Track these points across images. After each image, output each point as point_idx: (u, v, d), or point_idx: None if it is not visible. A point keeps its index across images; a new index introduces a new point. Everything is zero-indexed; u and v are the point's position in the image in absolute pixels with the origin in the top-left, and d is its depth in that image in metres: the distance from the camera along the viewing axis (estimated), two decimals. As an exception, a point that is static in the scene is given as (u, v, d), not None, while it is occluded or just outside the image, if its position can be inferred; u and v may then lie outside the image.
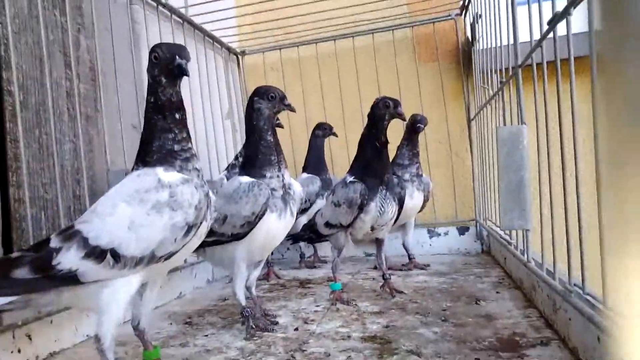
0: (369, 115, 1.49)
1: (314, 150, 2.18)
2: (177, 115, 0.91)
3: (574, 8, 0.80)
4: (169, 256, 0.86)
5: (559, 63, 0.88)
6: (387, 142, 1.46)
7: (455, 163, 2.42)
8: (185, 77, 0.91)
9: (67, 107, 1.38)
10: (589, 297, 0.85)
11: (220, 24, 2.25)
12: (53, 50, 1.37)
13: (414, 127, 1.90)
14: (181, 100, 0.92)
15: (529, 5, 1.16)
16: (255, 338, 1.19)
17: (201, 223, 0.89)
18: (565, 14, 0.81)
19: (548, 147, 1.08)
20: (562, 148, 0.99)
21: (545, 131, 1.08)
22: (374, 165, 1.45)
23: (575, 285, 0.89)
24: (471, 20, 2.19)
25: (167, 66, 0.89)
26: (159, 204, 0.84)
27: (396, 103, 1.44)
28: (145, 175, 0.88)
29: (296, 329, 1.25)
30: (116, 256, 0.82)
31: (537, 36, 1.11)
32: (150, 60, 0.91)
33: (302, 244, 2.16)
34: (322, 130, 2.17)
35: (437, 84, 2.40)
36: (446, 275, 1.84)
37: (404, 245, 2.07)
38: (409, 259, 2.04)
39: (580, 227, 0.88)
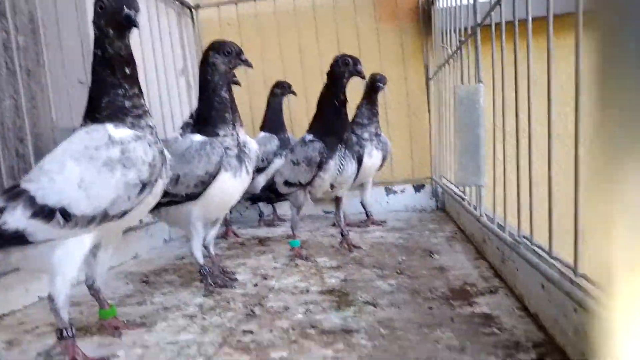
0: (328, 74, 1.48)
1: (272, 109, 2.14)
2: (127, 70, 0.86)
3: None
4: (123, 214, 0.84)
5: (517, 23, 0.89)
6: (346, 100, 1.45)
7: (414, 122, 2.44)
8: (135, 30, 0.86)
9: (4, 61, 1.29)
10: (536, 248, 0.90)
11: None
12: (-15, -2, 1.26)
13: (374, 86, 1.89)
14: (131, 54, 0.87)
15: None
16: (214, 295, 1.20)
17: (156, 181, 0.86)
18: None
19: (503, 107, 1.11)
20: (516, 108, 1.01)
21: (501, 91, 1.10)
22: (333, 124, 1.45)
23: (523, 237, 0.93)
24: (431, -23, 2.17)
25: (114, 17, 0.83)
26: (111, 161, 0.80)
27: (355, 61, 1.43)
28: (94, 131, 0.84)
29: (255, 285, 1.26)
30: (66, 215, 0.79)
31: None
32: (95, 10, 0.85)
33: (261, 203, 2.15)
34: (280, 89, 2.13)
35: (397, 44, 2.39)
36: (402, 231, 1.89)
37: (362, 203, 2.10)
38: (367, 216, 2.08)
39: (530, 185, 0.92)
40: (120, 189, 0.81)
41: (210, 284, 1.24)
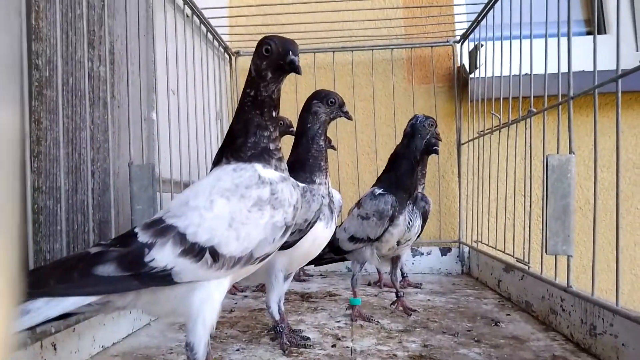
0: (407, 132, 1.49)
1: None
2: (273, 113, 0.85)
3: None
4: (264, 258, 0.79)
5: (619, 97, 0.93)
6: (420, 161, 1.46)
7: (442, 185, 2.47)
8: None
9: (87, 91, 1.24)
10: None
11: (214, 21, 2.16)
12: (79, 26, 1.23)
13: (429, 149, 1.91)
14: (279, 98, 0.86)
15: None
16: (294, 354, 1.12)
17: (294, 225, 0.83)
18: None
19: (595, 176, 1.13)
20: (617, 180, 1.03)
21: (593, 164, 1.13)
22: (406, 180, 1.44)
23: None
24: (470, 49, 2.27)
25: (278, 61, 0.83)
26: (261, 201, 0.77)
27: (435, 124, 1.45)
28: (243, 170, 0.80)
29: (333, 346, 1.19)
30: (215, 255, 0.73)
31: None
32: (259, 52, 0.84)
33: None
34: (321, 142, 2.13)
35: (429, 106, 2.46)
36: (444, 294, 1.85)
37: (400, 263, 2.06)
38: (402, 277, 2.04)
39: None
40: (267, 230, 0.77)
41: (286, 343, 1.16)
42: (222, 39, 2.25)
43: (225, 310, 1.56)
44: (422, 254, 2.41)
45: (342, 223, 1.59)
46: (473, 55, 2.22)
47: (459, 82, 2.43)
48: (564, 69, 1.24)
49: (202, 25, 2.02)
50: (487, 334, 1.31)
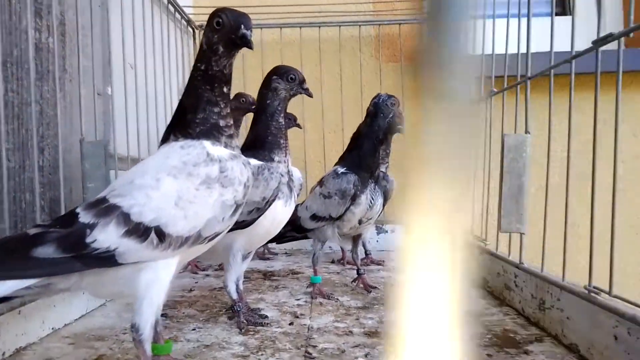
0: (370, 111, 1.48)
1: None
2: (225, 89, 0.83)
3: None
4: (213, 237, 0.78)
5: (599, 79, 0.93)
6: (384, 140, 1.46)
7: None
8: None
9: (35, 63, 1.18)
10: (609, 299, 0.91)
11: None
12: (22, -6, 1.16)
13: (393, 128, 1.90)
14: (231, 73, 0.84)
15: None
16: (251, 332, 1.12)
17: (245, 203, 0.82)
18: (620, 37, 0.85)
19: (549, 156, 1.15)
20: (568, 157, 1.06)
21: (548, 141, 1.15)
22: (368, 159, 1.44)
23: (595, 287, 0.95)
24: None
25: (230, 35, 0.80)
26: (209, 179, 0.75)
27: (398, 103, 1.45)
28: (191, 147, 0.78)
29: (291, 324, 1.19)
30: (161, 235, 0.72)
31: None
32: (210, 25, 0.82)
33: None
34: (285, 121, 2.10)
35: (397, 85, 2.45)
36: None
37: (362, 241, 2.08)
38: (366, 254, 2.06)
39: (592, 233, 0.94)
40: (216, 209, 0.76)
41: (243, 321, 1.16)
42: (184, 11, 2.18)
43: (185, 289, 1.55)
44: (387, 231, 2.43)
45: (304, 201, 1.58)
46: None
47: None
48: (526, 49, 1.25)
49: (162, -2, 1.95)
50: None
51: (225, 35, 0.82)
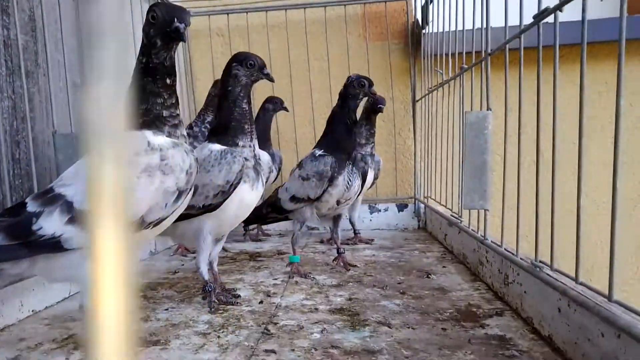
0: (341, 93, 1.50)
1: (261, 123, 2.13)
2: (167, 80, 0.86)
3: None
4: (158, 222, 0.82)
5: (540, 54, 0.93)
6: (356, 120, 1.48)
7: (398, 142, 2.49)
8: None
9: (4, 60, 1.22)
10: (552, 273, 0.93)
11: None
12: (-10, -7, 1.20)
13: (374, 108, 1.92)
14: (173, 65, 0.87)
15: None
16: (220, 311, 1.17)
17: (190, 189, 0.85)
18: (554, 10, 0.85)
19: (505, 131, 1.15)
20: (519, 133, 1.06)
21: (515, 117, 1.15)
22: (343, 141, 1.46)
23: (541, 262, 0.97)
24: (422, 4, 2.24)
25: (164, 28, 0.83)
26: (150, 167, 0.79)
27: (371, 82, 1.46)
28: (132, 137, 0.82)
29: (260, 302, 1.24)
30: None
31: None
32: (147, 19, 0.85)
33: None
34: (272, 104, 2.12)
35: (385, 63, 2.44)
36: (391, 250, 1.91)
37: (350, 220, 2.11)
38: (355, 233, 2.10)
39: (553, 211, 0.95)
40: (158, 196, 0.80)
41: (215, 301, 1.21)
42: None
43: (170, 271, 1.61)
44: (380, 210, 2.46)
45: (283, 184, 1.62)
46: (424, 10, 2.20)
47: (413, 39, 2.41)
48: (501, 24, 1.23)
49: (142, -14, 1.97)
50: (415, 286, 1.37)
51: (160, 29, 0.85)
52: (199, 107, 2.16)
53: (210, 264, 1.28)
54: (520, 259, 1.06)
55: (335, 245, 1.85)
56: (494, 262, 1.30)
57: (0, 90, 1.18)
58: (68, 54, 1.43)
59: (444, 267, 1.60)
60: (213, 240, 1.23)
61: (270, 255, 1.84)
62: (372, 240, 2.09)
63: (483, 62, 1.28)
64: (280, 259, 1.77)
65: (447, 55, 1.80)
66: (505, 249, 1.15)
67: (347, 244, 2.03)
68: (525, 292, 1.08)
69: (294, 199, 1.49)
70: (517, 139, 1.05)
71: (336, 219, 1.64)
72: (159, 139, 0.83)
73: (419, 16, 2.34)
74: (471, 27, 1.54)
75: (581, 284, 0.83)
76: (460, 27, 1.66)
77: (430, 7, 2.12)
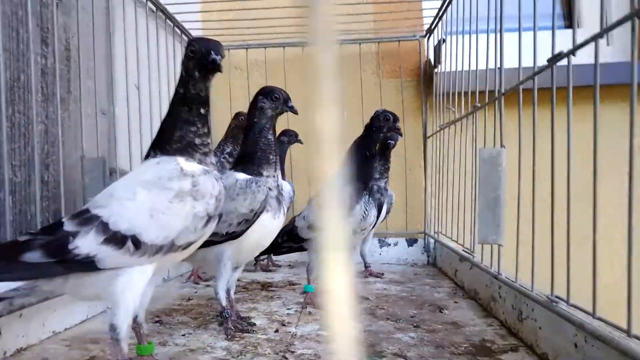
0: (367, 125, 1.55)
1: (277, 155, 2.18)
2: (202, 110, 0.91)
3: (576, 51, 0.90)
4: (187, 246, 0.85)
5: (554, 95, 0.98)
6: (376, 153, 1.53)
7: (409, 178, 2.53)
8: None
9: (41, 86, 1.28)
10: (570, 309, 0.95)
11: (187, 16, 2.20)
12: (30, 24, 1.27)
13: (385, 143, 1.96)
14: (208, 96, 0.93)
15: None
16: (236, 339, 1.18)
17: (219, 215, 0.89)
18: (568, 55, 0.90)
19: (519, 169, 1.18)
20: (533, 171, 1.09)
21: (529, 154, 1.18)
22: (361, 171, 1.50)
23: (556, 297, 0.99)
24: (435, 44, 2.32)
25: (202, 61, 0.89)
26: (182, 193, 0.83)
27: (396, 118, 1.51)
28: (166, 162, 0.86)
29: (276, 331, 1.25)
30: (137, 243, 0.79)
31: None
32: (186, 52, 0.91)
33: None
34: (287, 137, 2.17)
35: (397, 100, 2.51)
36: (402, 284, 1.92)
37: (360, 253, 2.13)
38: (365, 267, 2.11)
39: (568, 246, 0.97)
40: (188, 220, 0.83)
41: (231, 328, 1.22)
42: (190, 34, 2.29)
43: (184, 298, 1.62)
44: (389, 244, 2.47)
45: (301, 212, 1.65)
46: (437, 49, 2.28)
47: (425, 77, 2.49)
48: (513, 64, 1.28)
49: (167, 20, 2.06)
50: (428, 320, 1.38)
51: (198, 61, 0.90)
52: (215, 138, 2.22)
53: (228, 291, 1.29)
54: (536, 294, 1.07)
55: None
56: (507, 298, 1.31)
57: (35, 115, 1.23)
58: (98, 82, 1.49)
59: (455, 302, 1.61)
60: (232, 268, 1.26)
61: (282, 286, 1.85)
62: (382, 274, 2.09)
63: (496, 101, 1.33)
64: (292, 290, 1.78)
65: (459, 93, 1.86)
66: (519, 284, 1.17)
67: (357, 277, 2.04)
68: (540, 327, 1.09)
69: (312, 227, 1.52)
70: (532, 176, 1.08)
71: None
72: (191, 166, 0.87)
73: (431, 55, 2.42)
74: (484, 67, 1.60)
75: (599, 318, 0.84)
76: (472, 67, 1.73)
77: (443, 47, 2.19)
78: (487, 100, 1.44)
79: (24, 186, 1.21)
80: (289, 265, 2.36)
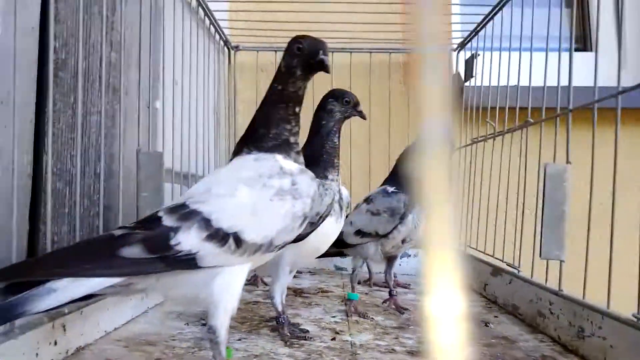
0: None
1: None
2: (297, 109, 0.89)
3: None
4: (282, 246, 0.82)
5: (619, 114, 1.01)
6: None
7: (432, 189, 2.51)
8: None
9: (99, 76, 1.24)
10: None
11: (217, 14, 2.16)
12: (92, 11, 1.23)
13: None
14: (303, 95, 0.90)
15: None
16: (296, 345, 1.14)
17: (314, 216, 0.86)
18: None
19: (591, 187, 1.18)
20: (614, 188, 1.09)
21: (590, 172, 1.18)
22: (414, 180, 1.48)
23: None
24: (466, 57, 2.33)
25: (309, 59, 0.86)
26: (282, 191, 0.80)
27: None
28: (265, 160, 0.83)
29: (332, 339, 1.21)
30: (238, 241, 0.76)
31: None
32: (291, 49, 0.88)
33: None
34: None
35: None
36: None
37: (385, 277, 2.08)
38: (390, 294, 2.06)
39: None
40: (287, 220, 0.80)
41: (287, 334, 1.18)
42: (224, 32, 2.26)
43: (221, 301, 1.57)
44: (409, 255, 2.45)
45: (346, 217, 1.62)
46: (469, 63, 2.28)
47: (454, 90, 2.49)
48: (561, 82, 1.30)
49: (206, 18, 2.02)
50: (478, 334, 1.35)
51: (304, 59, 0.88)
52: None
53: (281, 295, 1.25)
54: (611, 311, 1.06)
55: (380, 287, 1.84)
56: (561, 314, 1.30)
57: (94, 105, 1.19)
58: (144, 75, 1.45)
59: (495, 316, 1.59)
60: (289, 272, 1.22)
61: (314, 292, 1.81)
62: (409, 284, 2.07)
63: (558, 118, 1.33)
64: (327, 297, 1.74)
65: (499, 108, 1.86)
66: (588, 301, 1.15)
67: (385, 286, 2.01)
68: (611, 346, 1.07)
69: (359, 233, 1.49)
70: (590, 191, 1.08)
71: (390, 259, 1.64)
72: (289, 164, 0.85)
73: (460, 68, 2.42)
74: (526, 84, 1.61)
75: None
76: (512, 83, 1.74)
77: (475, 61, 2.20)
78: (543, 116, 1.44)
79: (80, 177, 1.16)
80: (309, 272, 2.32)
